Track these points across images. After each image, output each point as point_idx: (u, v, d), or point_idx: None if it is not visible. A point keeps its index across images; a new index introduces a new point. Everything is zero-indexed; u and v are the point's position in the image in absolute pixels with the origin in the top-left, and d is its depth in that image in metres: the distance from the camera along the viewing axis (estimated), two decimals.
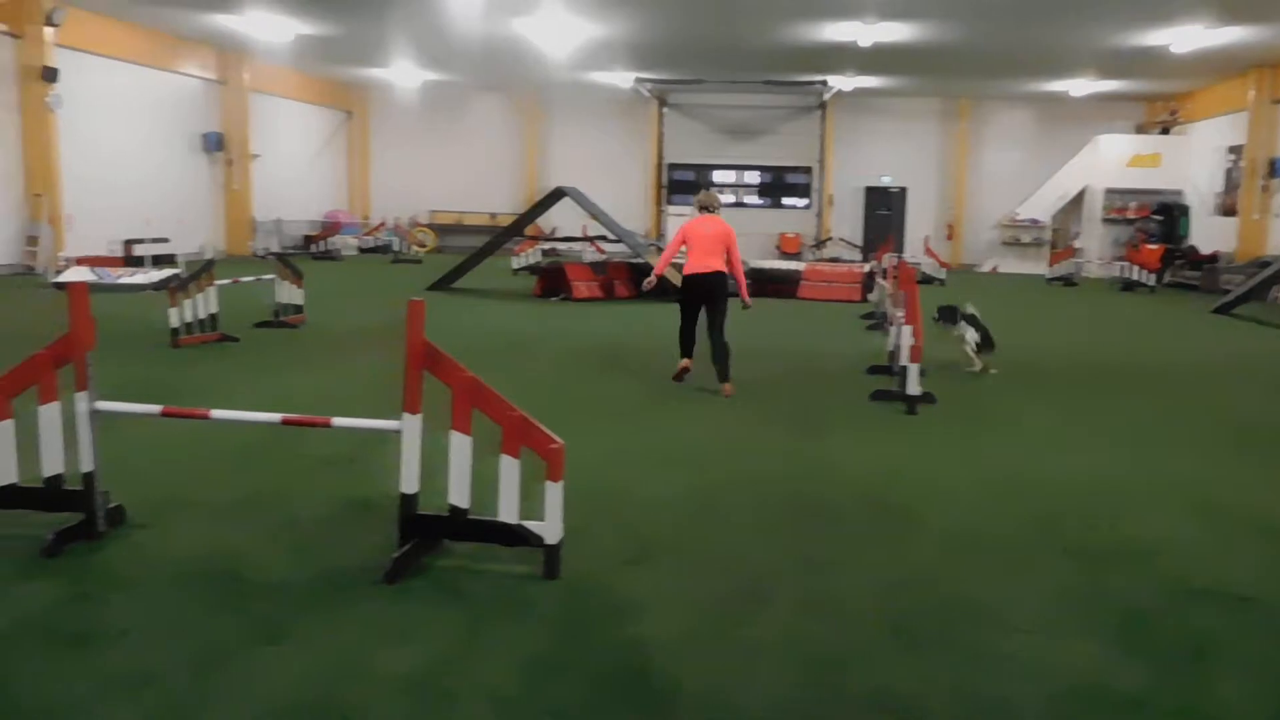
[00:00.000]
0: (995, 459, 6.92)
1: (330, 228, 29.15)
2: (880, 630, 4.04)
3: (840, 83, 27.17)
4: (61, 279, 16.48)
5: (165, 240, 21.73)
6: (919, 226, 29.87)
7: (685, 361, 9.15)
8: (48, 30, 18.90)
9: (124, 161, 22.06)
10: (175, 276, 15.65)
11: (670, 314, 9.61)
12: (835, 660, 3.78)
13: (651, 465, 6.52)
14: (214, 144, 25.37)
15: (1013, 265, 28.27)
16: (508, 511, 4.45)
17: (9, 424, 4.75)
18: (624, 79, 27.62)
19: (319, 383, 9.05)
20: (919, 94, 29.52)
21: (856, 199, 31.04)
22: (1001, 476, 6.42)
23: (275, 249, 24.80)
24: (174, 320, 10.78)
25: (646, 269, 17.80)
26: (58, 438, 4.74)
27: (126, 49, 21.79)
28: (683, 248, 9.13)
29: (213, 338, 11.18)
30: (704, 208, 9.36)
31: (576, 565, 4.52)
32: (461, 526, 4.55)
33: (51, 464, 4.76)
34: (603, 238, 22.29)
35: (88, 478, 4.74)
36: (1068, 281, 24.02)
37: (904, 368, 8.42)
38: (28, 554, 4.53)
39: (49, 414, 4.72)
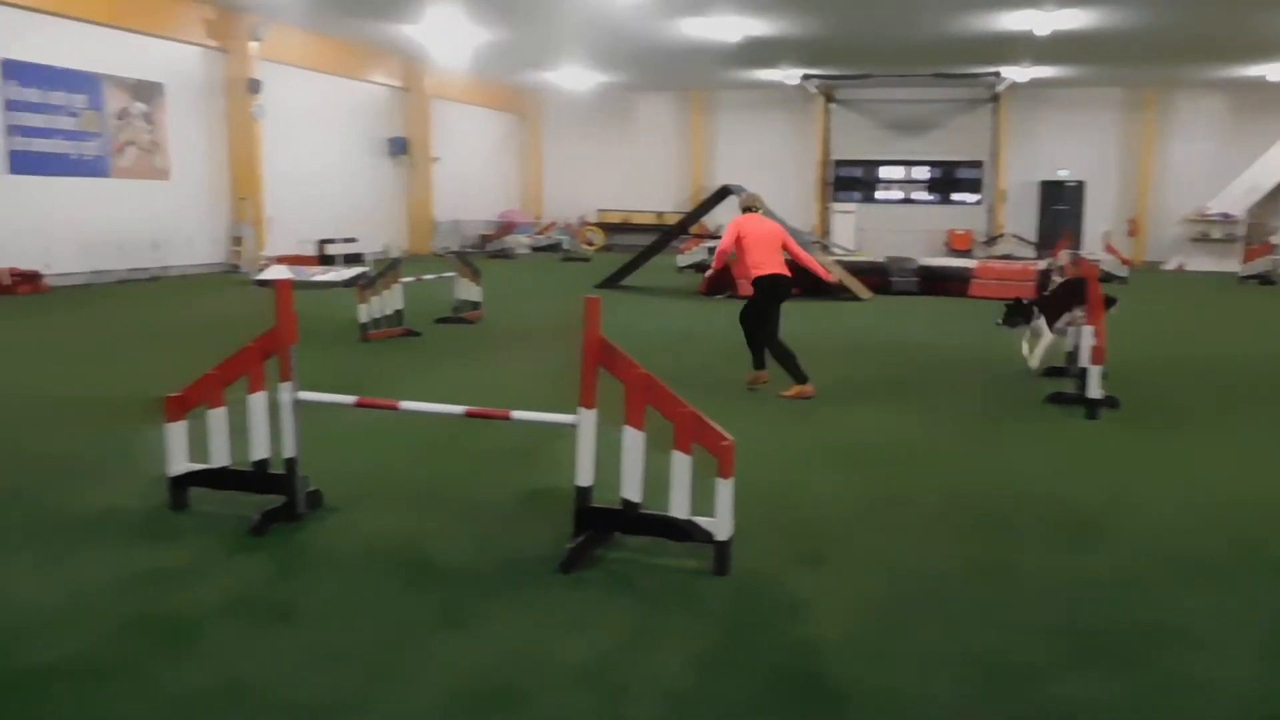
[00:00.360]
0: (1187, 469, 6.51)
1: (505, 227, 30.02)
2: (1061, 644, 3.86)
3: (1015, 74, 26.13)
4: (262, 276, 17.54)
5: (354, 240, 22.81)
6: (1098, 222, 28.44)
7: (762, 373, 8.76)
8: (252, 45, 20.14)
9: (317, 166, 23.29)
10: (363, 274, 16.39)
11: (828, 313, 9.44)
12: (1014, 672, 3.64)
13: (821, 464, 6.44)
14: (399, 148, 26.50)
15: (1201, 263, 26.54)
16: (679, 507, 4.48)
17: (222, 411, 5.09)
18: (790, 76, 27.36)
19: (496, 376, 9.32)
20: (1100, 83, 28.07)
21: (1030, 194, 29.79)
22: (1195, 488, 6.03)
23: (454, 248, 25.69)
24: (363, 316, 11.31)
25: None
26: (264, 425, 5.05)
27: (321, 60, 22.98)
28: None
29: (397, 332, 11.67)
30: (750, 208, 8.93)
31: (746, 563, 4.51)
32: (633, 520, 4.60)
33: (259, 449, 5.08)
34: None
35: (290, 463, 5.03)
36: (1264, 280, 22.38)
37: (1084, 370, 8.03)
38: (238, 532, 4.85)
39: (257, 403, 5.03)
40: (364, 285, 11.65)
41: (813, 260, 9.09)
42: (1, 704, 3.24)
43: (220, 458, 5.14)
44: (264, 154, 20.97)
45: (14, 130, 16.12)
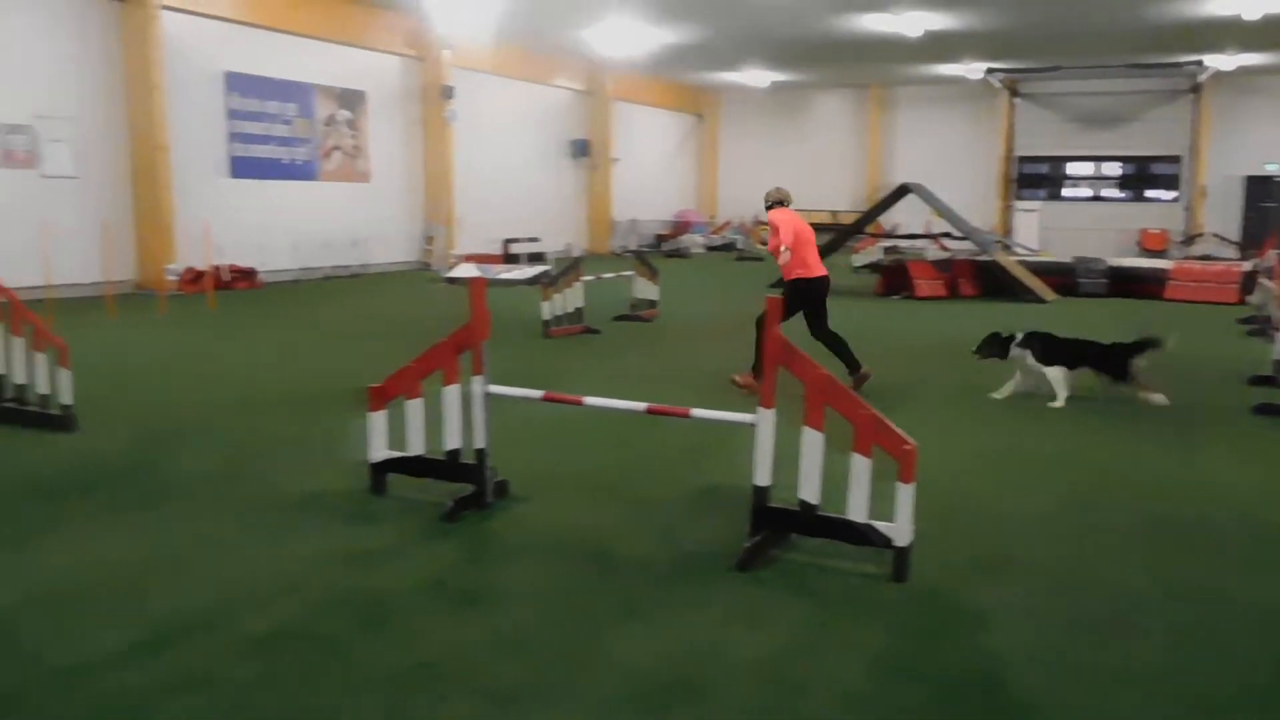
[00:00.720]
0: None
1: (680, 227, 30.22)
2: (1271, 675, 3.59)
3: (1219, 62, 24.42)
4: (451, 274, 18.25)
5: (537, 239, 23.45)
6: None
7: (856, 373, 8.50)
8: (445, 53, 20.98)
9: (504, 167, 24.07)
10: (546, 273, 16.82)
11: (1007, 314, 9.05)
12: (1215, 701, 3.41)
13: (1005, 471, 6.20)
14: (580, 150, 27.07)
15: None
16: (857, 510, 4.40)
17: (419, 402, 5.32)
18: (973, 70, 26.44)
19: (673, 373, 9.38)
20: None
21: (1233, 190, 27.77)
22: None
23: (632, 247, 26.05)
24: (545, 313, 11.62)
25: (994, 267, 17.00)
26: (457, 416, 5.25)
27: (509, 66, 23.71)
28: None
29: (578, 329, 11.92)
30: (780, 201, 8.67)
31: (925, 570, 4.39)
32: (810, 522, 4.55)
33: (452, 439, 5.29)
34: (947, 235, 21.47)
35: (480, 453, 5.21)
36: None
37: None
38: (431, 518, 5.06)
39: (451, 395, 5.24)
40: (547, 283, 11.95)
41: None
42: (223, 666, 3.49)
43: (416, 446, 5.37)
44: (455, 157, 21.82)
45: (235, 137, 17.34)
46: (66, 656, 3.53)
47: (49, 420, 6.74)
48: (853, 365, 8.51)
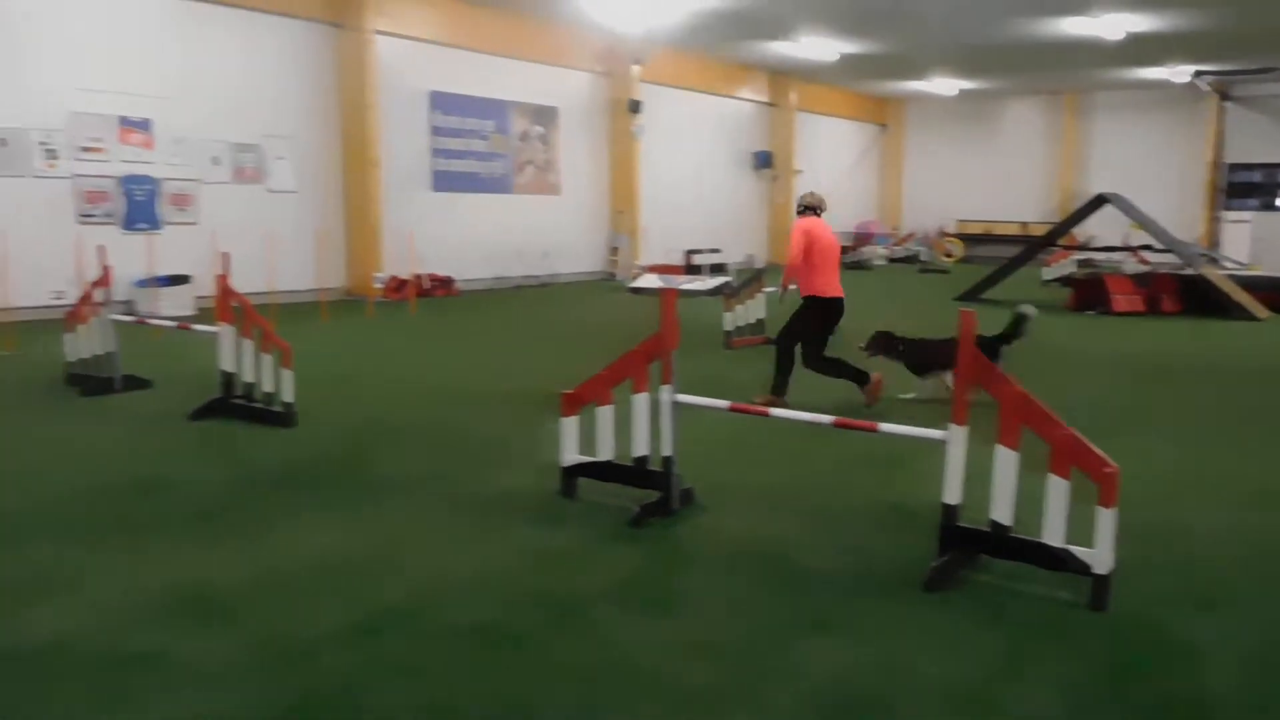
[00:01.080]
0: None
1: (862, 238, 29.66)
2: None
3: None
4: (635, 284, 18.52)
5: (718, 250, 23.52)
6: None
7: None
8: (634, 68, 21.36)
9: (687, 179, 24.29)
10: (727, 284, 16.83)
11: (1214, 332, 8.44)
12: None
13: (1202, 499, 5.79)
14: (763, 161, 27.01)
15: None
16: (1053, 534, 4.22)
17: (609, 409, 5.44)
18: (1179, 73, 24.83)
19: (852, 387, 9.22)
20: None
21: None
22: None
23: None
24: (727, 324, 11.64)
25: (1199, 282, 15.91)
26: (645, 424, 5.33)
27: (694, 80, 23.91)
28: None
29: (759, 341, 11.87)
30: (812, 208, 8.00)
31: (1126, 599, 4.15)
32: (1002, 544, 4.38)
33: (640, 446, 5.37)
34: (1147, 247, 20.24)
35: (667, 461, 5.28)
36: None
37: None
38: (618, 523, 5.15)
39: (640, 403, 5.33)
40: (729, 294, 11.97)
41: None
42: (427, 654, 3.66)
43: (605, 452, 5.49)
44: (640, 169, 22.18)
45: (437, 153, 18.20)
46: (290, 635, 3.79)
47: (272, 416, 7.25)
48: (860, 378, 8.03)
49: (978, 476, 4.38)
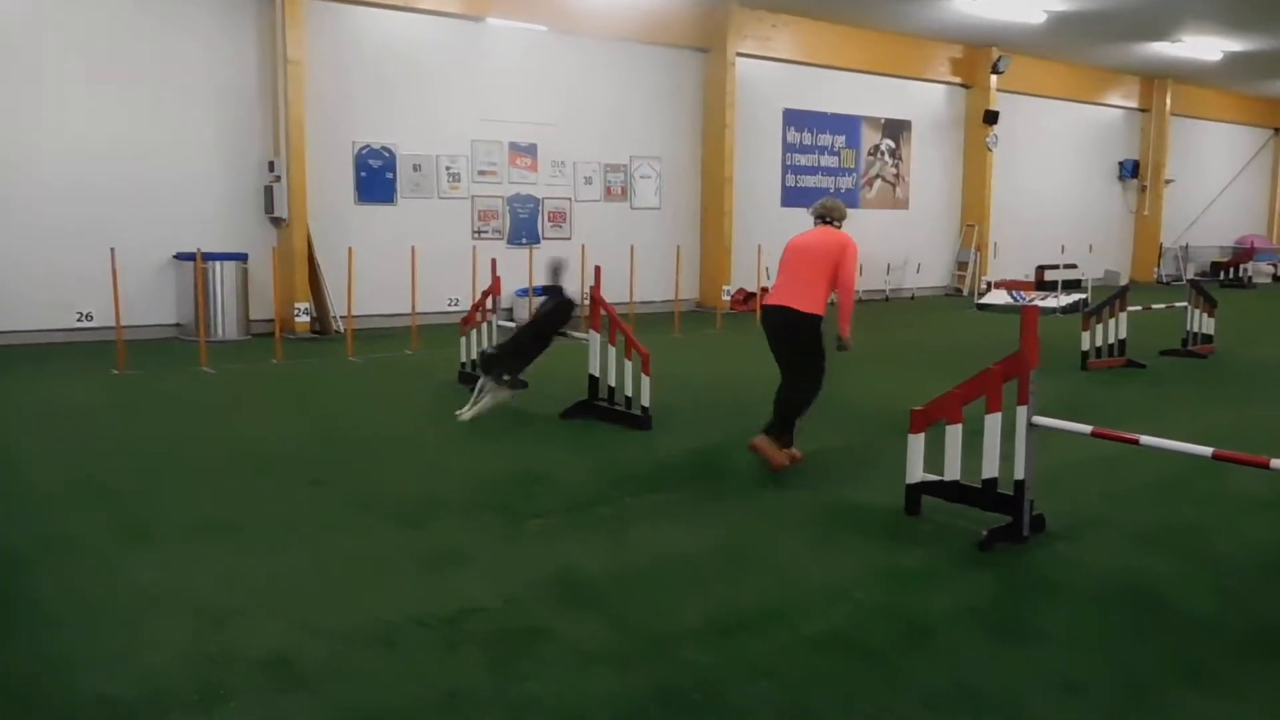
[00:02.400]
0: None
1: (1242, 254, 26.33)
2: None
3: None
4: (983, 301, 17.67)
5: (1074, 266, 21.85)
6: None
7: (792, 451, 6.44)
8: (992, 78, 20.38)
9: (1041, 192, 22.78)
10: (1083, 302, 15.65)
11: None
12: None
13: None
14: (1129, 171, 24.76)
15: None
16: None
17: (959, 428, 5.23)
18: None
19: (1235, 418, 8.23)
20: None
21: None
22: None
23: (1186, 276, 23.35)
24: (1084, 344, 10.79)
25: None
26: (996, 446, 5.07)
27: (1054, 87, 22.39)
28: None
29: (1119, 362, 10.93)
30: (819, 217, 6.82)
31: None
32: None
33: (990, 468, 5.12)
34: None
35: (1019, 484, 4.98)
36: None
37: None
38: (965, 545, 4.94)
39: (992, 423, 5.07)
40: (1088, 313, 11.10)
41: (846, 307, 6.61)
42: (781, 660, 3.70)
43: (953, 471, 5.28)
44: (993, 182, 21.12)
45: (788, 169, 18.41)
46: (653, 627, 3.97)
47: (631, 419, 7.65)
48: (782, 432, 6.40)
49: None
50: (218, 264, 12.59)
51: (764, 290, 16.63)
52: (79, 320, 12.31)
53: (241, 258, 12.93)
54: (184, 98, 12.76)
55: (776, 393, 6.54)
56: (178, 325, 12.91)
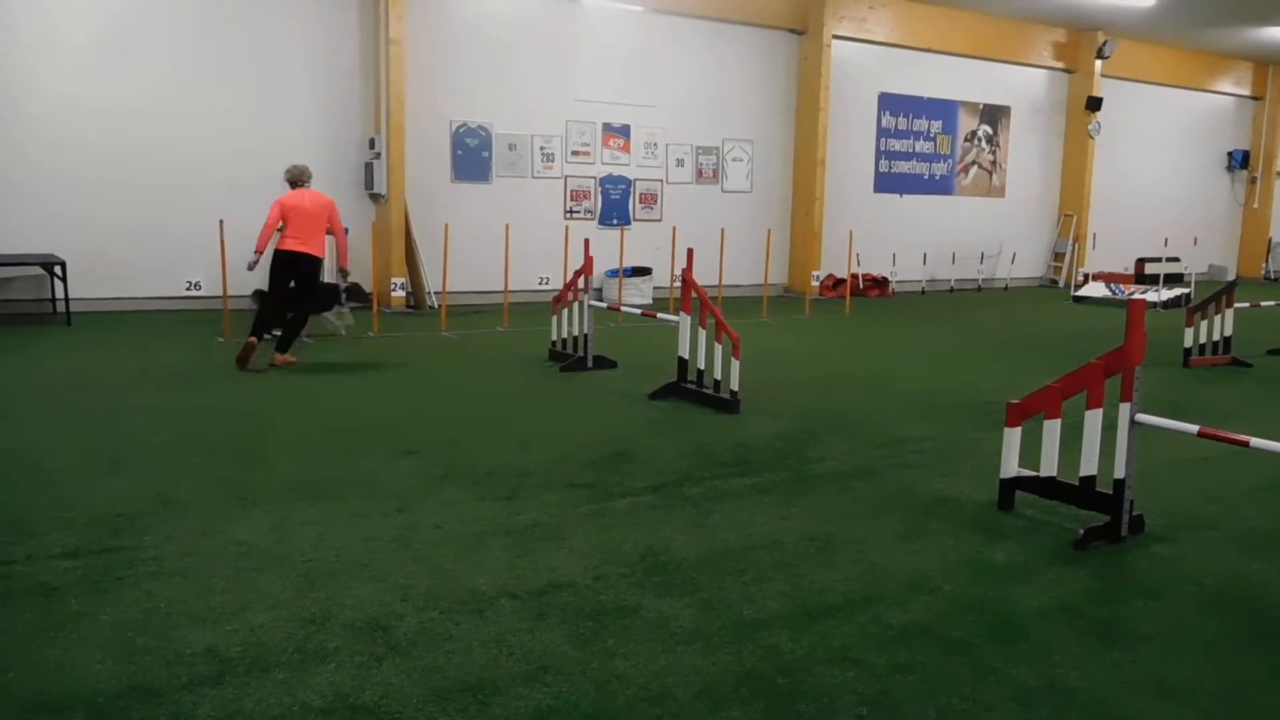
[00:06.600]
0: None
1: None
2: None
3: None
4: (1079, 293, 17.13)
5: (1176, 259, 21.04)
6: None
7: (252, 339, 8.96)
8: (1097, 63, 19.66)
9: (1144, 181, 21.94)
10: (1185, 296, 15.06)
11: None
12: None
13: None
14: (1238, 162, 23.68)
15: None
16: None
17: (1057, 423, 5.07)
18: None
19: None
20: None
21: None
22: None
23: None
24: (1188, 340, 10.37)
25: None
26: (1096, 442, 4.91)
27: (1161, 73, 21.52)
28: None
29: (1223, 360, 10.48)
30: (294, 182, 9.21)
31: None
32: None
33: (1088, 465, 4.96)
34: None
35: (1119, 483, 4.81)
36: None
37: None
38: (1059, 542, 4.80)
39: (1093, 419, 4.91)
40: (1193, 308, 10.66)
41: (343, 240, 9.65)
42: (865, 649, 3.65)
43: (1049, 467, 5.13)
44: (1093, 170, 20.42)
45: (881, 154, 18.07)
46: (739, 610, 3.95)
47: (719, 402, 7.61)
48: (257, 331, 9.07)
49: None
50: None
51: (855, 276, 16.48)
52: (188, 289, 12.77)
53: None
54: (290, 76, 13.09)
55: (294, 319, 9.19)
56: None
